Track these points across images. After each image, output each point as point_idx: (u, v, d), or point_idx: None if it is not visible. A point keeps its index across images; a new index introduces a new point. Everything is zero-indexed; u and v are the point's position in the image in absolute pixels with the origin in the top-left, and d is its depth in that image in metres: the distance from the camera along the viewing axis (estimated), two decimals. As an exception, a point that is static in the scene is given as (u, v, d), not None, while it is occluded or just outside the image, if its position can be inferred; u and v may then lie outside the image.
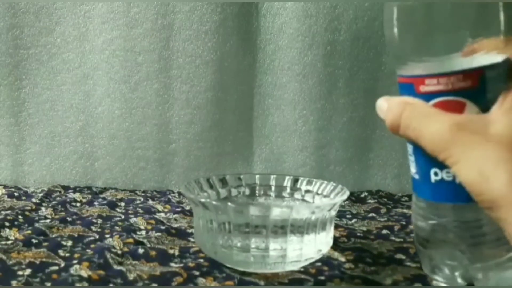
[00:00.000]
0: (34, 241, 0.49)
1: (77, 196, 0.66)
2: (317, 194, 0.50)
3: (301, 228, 0.41)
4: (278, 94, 0.73)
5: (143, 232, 0.53)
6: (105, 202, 0.64)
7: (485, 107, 0.33)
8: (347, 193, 0.45)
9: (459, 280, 0.36)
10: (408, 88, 0.35)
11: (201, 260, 0.45)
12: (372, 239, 0.53)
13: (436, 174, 0.34)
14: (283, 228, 0.41)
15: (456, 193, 0.34)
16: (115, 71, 0.70)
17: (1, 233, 0.51)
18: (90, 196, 0.67)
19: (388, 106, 0.36)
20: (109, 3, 0.69)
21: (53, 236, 0.51)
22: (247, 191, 0.52)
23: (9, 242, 0.49)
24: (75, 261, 0.44)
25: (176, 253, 0.47)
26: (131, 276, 0.42)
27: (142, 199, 0.67)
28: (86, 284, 0.40)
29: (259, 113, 0.74)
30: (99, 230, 0.53)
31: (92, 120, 0.72)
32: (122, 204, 0.64)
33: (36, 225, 0.54)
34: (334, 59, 0.71)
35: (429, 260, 0.38)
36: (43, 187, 0.70)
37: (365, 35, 0.71)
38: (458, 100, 0.33)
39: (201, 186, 0.49)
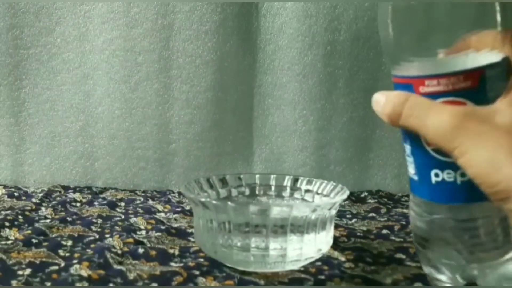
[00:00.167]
0: (34, 241, 0.49)
1: (77, 196, 0.66)
2: (317, 193, 0.50)
3: (301, 227, 0.41)
4: (278, 94, 0.73)
5: (143, 232, 0.53)
6: (105, 202, 0.64)
7: None
8: (347, 193, 0.45)
9: (459, 280, 0.36)
10: (406, 88, 0.35)
11: (201, 260, 0.45)
12: (372, 239, 0.53)
13: (437, 175, 0.34)
14: (283, 228, 0.41)
15: (457, 194, 0.34)
16: (115, 71, 0.70)
17: (1, 233, 0.51)
18: (90, 196, 0.67)
19: (387, 98, 0.35)
20: (109, 3, 0.69)
21: (53, 236, 0.51)
22: (247, 191, 0.52)
23: (9, 242, 0.49)
24: (75, 261, 0.44)
25: (176, 252, 0.47)
26: (131, 276, 0.42)
27: (142, 199, 0.67)
28: (86, 284, 0.40)
29: (259, 113, 0.74)
30: (99, 230, 0.53)
31: (92, 120, 0.72)
32: (122, 204, 0.64)
33: (36, 225, 0.54)
34: (334, 59, 0.71)
35: (428, 259, 0.38)
36: (43, 187, 0.70)
37: (365, 35, 0.71)
38: (459, 101, 0.33)
39: (201, 186, 0.49)
